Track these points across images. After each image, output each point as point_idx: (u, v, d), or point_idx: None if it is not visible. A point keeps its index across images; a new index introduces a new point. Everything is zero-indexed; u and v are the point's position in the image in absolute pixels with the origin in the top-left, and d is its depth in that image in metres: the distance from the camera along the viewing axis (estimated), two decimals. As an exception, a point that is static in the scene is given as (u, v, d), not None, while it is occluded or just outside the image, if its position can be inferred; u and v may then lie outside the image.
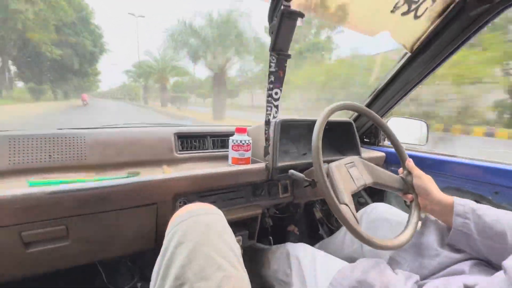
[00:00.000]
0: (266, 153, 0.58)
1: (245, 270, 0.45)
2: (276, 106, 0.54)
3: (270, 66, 0.52)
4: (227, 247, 0.45)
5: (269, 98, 0.52)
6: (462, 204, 0.55)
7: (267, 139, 0.69)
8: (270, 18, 0.53)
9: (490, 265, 0.53)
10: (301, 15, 0.50)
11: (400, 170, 0.70)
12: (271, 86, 0.52)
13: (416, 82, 0.99)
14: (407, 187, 0.68)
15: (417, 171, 0.66)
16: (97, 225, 0.63)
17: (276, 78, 0.52)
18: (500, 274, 0.39)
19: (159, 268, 0.43)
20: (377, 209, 0.82)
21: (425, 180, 0.63)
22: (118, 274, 1.01)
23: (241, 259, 0.47)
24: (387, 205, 0.84)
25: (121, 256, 1.01)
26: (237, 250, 0.47)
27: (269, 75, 0.52)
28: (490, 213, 0.52)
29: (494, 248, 0.50)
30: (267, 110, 0.54)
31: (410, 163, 0.67)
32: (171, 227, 0.48)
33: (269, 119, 0.54)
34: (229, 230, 0.50)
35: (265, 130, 0.55)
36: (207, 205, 0.54)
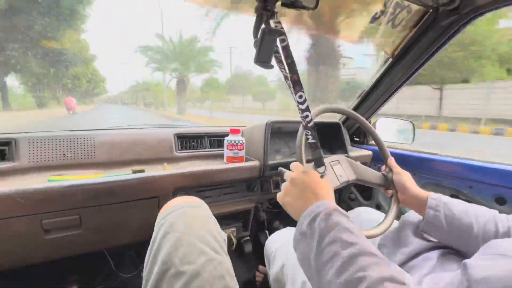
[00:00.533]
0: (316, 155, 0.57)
1: (227, 254, 0.51)
2: (305, 109, 0.51)
3: (282, 72, 0.53)
4: (210, 235, 0.50)
5: (296, 104, 0.51)
6: (435, 198, 0.60)
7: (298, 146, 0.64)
8: (255, 34, 0.60)
9: (459, 254, 0.59)
10: (281, 32, 0.57)
11: (383, 167, 0.75)
12: (292, 91, 0.52)
13: (399, 84, 1.06)
14: (388, 183, 0.72)
15: (397, 168, 0.71)
16: (106, 216, 0.72)
17: (294, 82, 0.51)
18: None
19: (149, 255, 0.49)
20: (360, 212, 0.86)
21: (404, 177, 0.68)
22: (123, 264, 1.10)
23: (224, 246, 0.52)
24: (370, 208, 0.90)
25: (126, 247, 1.10)
26: (220, 238, 0.53)
27: (286, 82, 0.53)
28: (459, 207, 0.58)
29: (461, 238, 0.56)
30: (300, 113, 0.52)
31: (391, 161, 0.72)
32: (159, 219, 0.54)
33: (305, 124, 0.52)
34: (212, 219, 0.56)
35: (306, 133, 0.56)
36: (192, 198, 0.60)
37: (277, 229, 1.37)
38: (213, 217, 0.58)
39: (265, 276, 1.13)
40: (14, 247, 0.67)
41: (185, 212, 0.54)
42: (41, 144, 0.77)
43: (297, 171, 0.53)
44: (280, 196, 0.54)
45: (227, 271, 0.48)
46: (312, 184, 0.50)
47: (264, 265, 0.85)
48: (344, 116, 1.30)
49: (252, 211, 1.00)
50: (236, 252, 1.08)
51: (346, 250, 0.36)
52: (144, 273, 0.48)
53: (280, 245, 0.70)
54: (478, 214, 0.56)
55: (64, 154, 0.78)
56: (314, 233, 0.40)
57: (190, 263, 0.44)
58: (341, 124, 1.15)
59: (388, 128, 1.26)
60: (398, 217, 0.69)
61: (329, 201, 0.46)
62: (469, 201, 0.92)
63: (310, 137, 0.53)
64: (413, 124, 1.24)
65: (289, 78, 0.53)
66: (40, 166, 0.76)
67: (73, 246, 0.74)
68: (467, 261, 0.37)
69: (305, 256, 0.41)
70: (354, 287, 0.32)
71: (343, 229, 0.39)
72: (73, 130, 0.85)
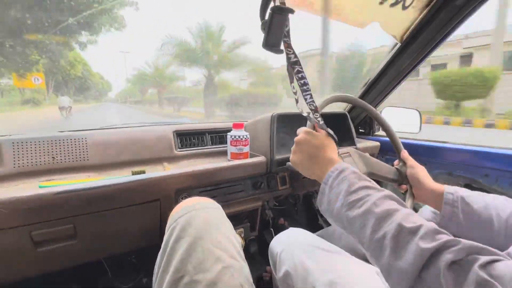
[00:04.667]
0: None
1: (244, 260, 0.47)
2: (311, 95, 0.52)
3: (289, 58, 0.50)
4: (226, 239, 0.46)
5: (305, 87, 0.50)
6: (452, 192, 0.57)
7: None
8: (262, 15, 0.54)
9: None
10: (291, 11, 0.51)
11: (396, 162, 0.71)
12: (300, 75, 0.50)
13: (407, 71, 1.01)
14: (402, 178, 0.68)
15: (411, 161, 0.67)
16: (103, 223, 0.66)
17: (301, 68, 0.50)
18: None
19: (160, 262, 0.45)
20: None
21: (418, 170, 0.65)
22: (123, 271, 1.04)
23: (241, 250, 0.48)
24: None
25: (126, 253, 1.04)
26: (236, 241, 0.49)
27: (292, 66, 0.50)
28: (478, 201, 0.54)
29: (482, 233, 0.52)
30: (308, 99, 0.51)
31: (404, 153, 0.69)
32: (170, 223, 0.49)
33: (316, 106, 0.51)
34: (227, 222, 0.52)
35: (315, 119, 0.54)
36: (205, 199, 0.56)
37: (282, 226, 1.34)
38: (228, 219, 0.53)
39: (272, 275, 1.08)
40: (2, 262, 0.60)
41: (198, 214, 0.49)
42: (28, 147, 0.70)
43: (302, 133, 0.55)
44: (291, 157, 0.56)
45: (246, 279, 0.44)
46: (316, 142, 0.52)
47: None
48: (349, 106, 1.25)
49: (259, 210, 0.94)
50: (243, 251, 1.03)
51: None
52: (154, 281, 0.44)
53: (284, 247, 0.66)
54: (498, 208, 0.52)
55: (53, 158, 0.71)
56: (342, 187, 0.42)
57: (205, 271, 0.40)
58: (348, 114, 1.10)
59: (393, 118, 1.22)
60: None
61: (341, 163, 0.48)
62: (485, 190, 0.89)
63: (320, 119, 0.53)
64: (419, 113, 1.20)
65: (299, 63, 0.51)
66: (27, 171, 0.69)
67: (68, 258, 0.67)
68: (510, 251, 0.34)
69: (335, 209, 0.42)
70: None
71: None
72: (63, 131, 0.78)
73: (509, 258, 0.28)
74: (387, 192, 0.40)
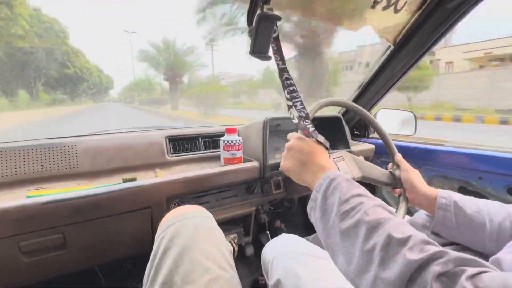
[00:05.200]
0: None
1: (234, 270, 0.46)
2: (302, 102, 0.51)
3: (277, 65, 0.50)
4: (215, 249, 0.46)
5: (294, 94, 0.50)
6: (445, 196, 0.57)
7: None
8: (249, 22, 0.53)
9: (471, 250, 0.55)
10: (278, 18, 0.51)
11: (390, 165, 0.71)
12: (288, 82, 0.50)
13: (401, 73, 1.01)
14: (395, 181, 0.68)
15: (405, 164, 0.67)
16: (93, 232, 0.65)
17: (289, 75, 0.50)
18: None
19: (149, 273, 0.44)
20: None
21: (412, 174, 0.64)
22: (117, 277, 1.03)
23: (231, 259, 0.48)
24: None
25: (120, 259, 1.03)
26: (226, 250, 0.48)
27: (280, 73, 0.50)
28: (471, 205, 0.54)
29: (474, 238, 0.53)
30: (298, 106, 0.51)
31: (398, 157, 0.68)
32: (159, 232, 0.49)
33: (306, 113, 0.51)
34: (217, 231, 0.51)
35: (305, 126, 0.54)
36: (195, 207, 0.55)
37: (279, 229, 1.33)
38: (218, 227, 0.53)
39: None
40: None
41: (187, 224, 0.48)
42: (16, 155, 0.69)
43: (293, 138, 0.54)
44: (281, 164, 0.55)
45: None
46: (307, 148, 0.51)
47: None
48: (343, 109, 1.25)
49: (253, 214, 0.94)
50: (237, 256, 1.02)
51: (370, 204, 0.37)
52: None
53: (276, 255, 0.66)
54: (491, 213, 0.52)
55: (42, 166, 0.71)
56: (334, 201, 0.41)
57: (193, 283, 0.40)
58: (342, 117, 1.10)
59: (389, 120, 1.22)
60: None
61: (333, 170, 0.47)
62: (479, 193, 0.89)
63: (310, 126, 0.52)
64: (415, 115, 1.20)
65: (287, 70, 0.50)
66: (15, 180, 0.68)
67: (58, 267, 0.66)
68: (499, 256, 0.34)
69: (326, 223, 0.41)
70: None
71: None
72: (52, 138, 0.77)
73: (495, 268, 0.28)
74: (379, 201, 0.40)
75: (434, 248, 0.30)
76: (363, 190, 0.42)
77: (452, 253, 0.29)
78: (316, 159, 0.50)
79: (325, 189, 0.43)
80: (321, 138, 0.53)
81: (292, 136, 0.55)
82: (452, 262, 0.28)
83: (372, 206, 0.37)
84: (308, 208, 0.47)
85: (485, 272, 0.26)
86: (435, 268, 0.27)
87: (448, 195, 0.57)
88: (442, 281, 0.26)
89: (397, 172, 0.68)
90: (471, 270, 0.26)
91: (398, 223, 0.34)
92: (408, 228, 0.33)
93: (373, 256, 0.32)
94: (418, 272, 0.28)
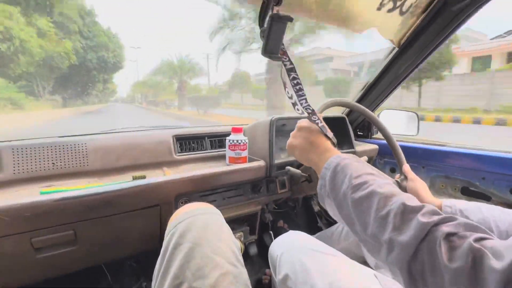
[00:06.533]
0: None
1: (243, 266, 0.47)
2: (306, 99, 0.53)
3: (285, 65, 0.52)
4: (225, 245, 0.47)
5: (300, 92, 0.52)
6: (450, 205, 0.58)
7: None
8: (261, 23, 0.55)
9: None
10: (290, 19, 0.52)
11: (397, 176, 0.72)
12: (295, 81, 0.52)
13: (405, 75, 1.02)
14: (401, 190, 0.70)
15: (412, 174, 0.68)
16: (103, 229, 0.66)
17: (296, 72, 0.52)
18: None
19: (159, 268, 0.45)
20: None
21: (418, 184, 0.66)
22: (123, 275, 1.04)
23: (240, 256, 0.48)
24: None
25: (126, 258, 1.04)
26: (235, 247, 0.49)
27: (288, 73, 0.52)
28: (476, 213, 0.55)
29: None
30: (303, 104, 0.53)
31: (406, 167, 0.69)
32: (169, 228, 0.50)
33: (312, 110, 0.53)
34: (226, 228, 0.52)
35: (313, 121, 0.56)
36: (204, 205, 0.56)
37: (282, 228, 1.34)
38: (227, 224, 0.53)
39: (272, 278, 1.09)
40: (2, 268, 0.60)
41: (197, 220, 0.49)
42: (28, 153, 0.70)
43: (304, 121, 0.55)
44: (289, 141, 0.57)
45: (245, 285, 0.44)
46: (317, 131, 0.53)
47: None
48: (348, 109, 1.26)
49: (258, 213, 0.95)
50: (242, 255, 1.03)
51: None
52: (153, 287, 0.45)
53: (284, 250, 0.67)
54: (496, 220, 0.53)
55: (53, 163, 0.71)
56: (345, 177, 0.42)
57: (204, 278, 0.40)
58: (346, 118, 1.11)
59: (392, 121, 1.23)
60: None
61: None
62: (482, 193, 0.90)
63: (319, 122, 0.54)
64: (417, 115, 1.21)
65: (295, 70, 0.52)
66: (27, 177, 0.69)
67: (68, 263, 0.67)
68: None
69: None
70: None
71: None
72: (63, 136, 0.78)
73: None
74: (391, 179, 0.41)
75: (445, 214, 0.32)
76: (375, 170, 0.44)
77: (462, 219, 0.31)
78: (324, 142, 0.52)
79: (336, 165, 0.45)
80: (330, 134, 0.55)
81: (303, 120, 0.57)
82: (462, 226, 0.30)
83: (385, 183, 0.39)
84: (318, 188, 0.49)
85: (490, 238, 0.28)
86: (445, 228, 0.29)
87: (453, 204, 0.58)
88: (450, 239, 0.28)
89: (403, 183, 0.69)
90: (478, 235, 0.28)
91: (410, 196, 0.36)
92: (419, 202, 0.36)
93: (387, 221, 0.34)
94: (430, 232, 0.30)
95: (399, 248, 0.31)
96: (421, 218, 0.31)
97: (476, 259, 0.25)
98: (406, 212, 0.33)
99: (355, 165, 0.44)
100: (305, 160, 0.54)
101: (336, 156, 0.47)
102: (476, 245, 0.26)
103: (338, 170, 0.44)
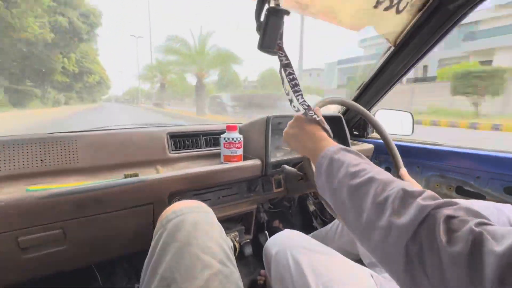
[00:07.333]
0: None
1: (235, 265, 0.46)
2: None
3: (281, 60, 0.51)
4: (215, 244, 0.45)
5: (296, 88, 0.52)
6: None
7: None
8: (257, 17, 0.53)
9: None
10: (287, 12, 0.51)
11: None
12: (291, 77, 0.52)
13: (401, 74, 1.02)
14: None
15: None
16: (94, 228, 0.64)
17: (292, 68, 0.51)
18: None
19: (146, 269, 0.43)
20: None
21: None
22: (114, 276, 1.01)
23: (231, 255, 0.47)
24: None
25: (117, 258, 1.02)
26: (227, 246, 0.47)
27: (284, 68, 0.51)
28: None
29: None
30: (299, 100, 0.53)
31: (403, 171, 0.70)
32: (158, 227, 0.48)
33: (308, 105, 0.53)
34: (217, 226, 0.50)
35: (312, 115, 0.55)
36: (195, 203, 0.54)
37: (277, 228, 1.33)
38: (218, 222, 0.52)
39: (266, 278, 1.07)
40: None
41: (187, 219, 0.47)
42: (15, 149, 0.68)
43: (301, 113, 0.55)
44: (285, 130, 0.58)
45: (236, 285, 0.43)
46: (314, 122, 0.53)
47: None
48: (344, 109, 1.26)
49: (254, 213, 0.94)
50: (237, 256, 1.02)
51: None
52: (140, 286, 0.43)
53: (279, 249, 0.66)
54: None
55: (41, 160, 0.69)
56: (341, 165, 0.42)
57: (192, 279, 0.39)
58: (342, 118, 1.11)
59: (387, 120, 1.23)
60: None
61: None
62: (477, 193, 0.91)
63: (316, 116, 0.54)
64: (412, 115, 1.22)
65: (290, 65, 0.51)
66: (14, 174, 0.66)
67: (56, 264, 0.65)
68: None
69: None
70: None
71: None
72: (52, 133, 0.76)
73: None
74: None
75: (446, 199, 0.31)
76: (371, 162, 0.44)
77: (463, 205, 0.30)
78: (321, 133, 0.52)
79: (332, 154, 0.45)
80: (327, 126, 0.55)
81: (301, 112, 0.57)
82: (462, 210, 0.29)
83: (383, 171, 0.39)
84: (315, 177, 0.48)
85: (490, 224, 0.28)
86: (446, 211, 0.29)
87: None
88: (451, 222, 0.28)
89: None
90: (478, 220, 0.28)
91: (409, 183, 0.36)
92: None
93: (386, 206, 0.33)
94: (430, 214, 0.29)
95: (397, 231, 0.31)
96: (421, 201, 0.31)
97: (476, 241, 0.25)
98: (406, 197, 0.32)
99: (352, 155, 0.44)
100: (301, 148, 0.54)
101: (333, 146, 0.47)
102: (477, 228, 0.26)
103: (335, 159, 0.44)
